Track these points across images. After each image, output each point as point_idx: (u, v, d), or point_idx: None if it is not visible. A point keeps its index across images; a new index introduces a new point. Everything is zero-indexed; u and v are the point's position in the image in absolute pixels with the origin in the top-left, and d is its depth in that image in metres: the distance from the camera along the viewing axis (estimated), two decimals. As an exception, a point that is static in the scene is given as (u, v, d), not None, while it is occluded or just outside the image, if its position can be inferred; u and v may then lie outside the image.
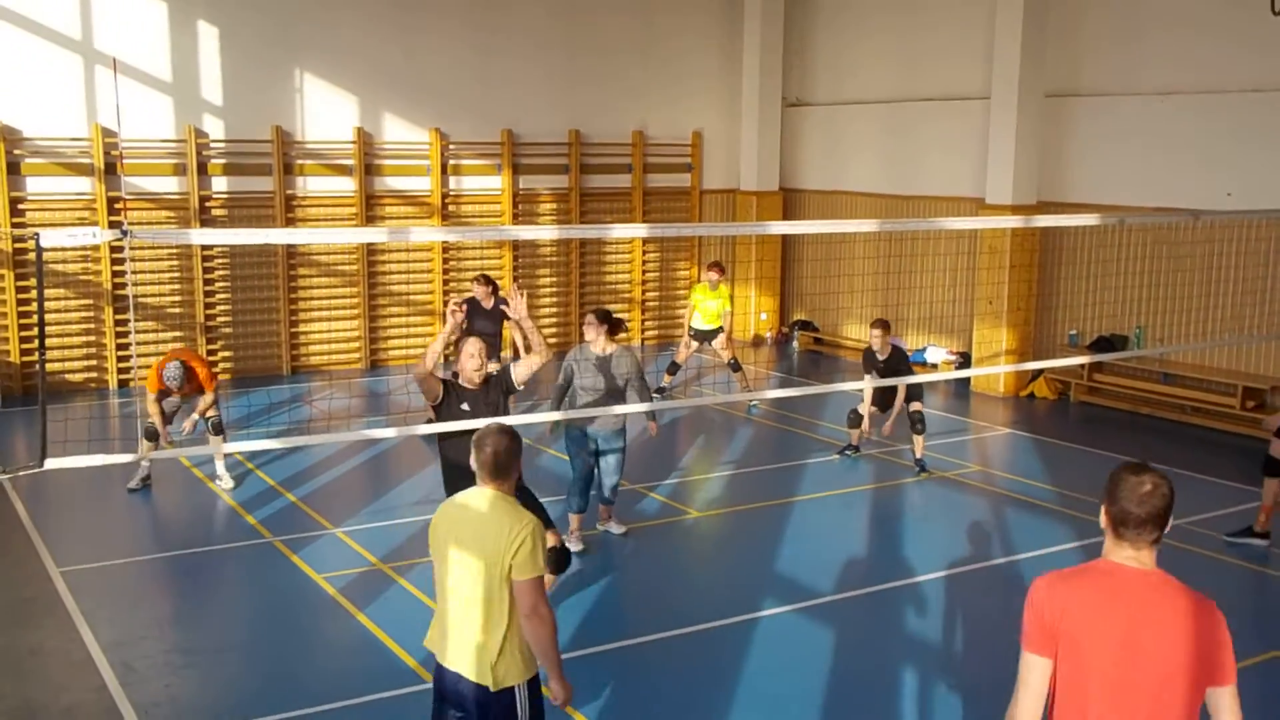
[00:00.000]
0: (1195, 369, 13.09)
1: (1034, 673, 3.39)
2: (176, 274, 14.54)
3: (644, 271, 17.82)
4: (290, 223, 14.90)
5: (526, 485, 6.78)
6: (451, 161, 16.07)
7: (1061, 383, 14.30)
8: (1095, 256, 13.88)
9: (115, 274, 14.00)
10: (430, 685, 6.46)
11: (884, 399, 11.13)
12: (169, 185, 14.36)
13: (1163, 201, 12.93)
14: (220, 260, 14.77)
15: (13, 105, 13.45)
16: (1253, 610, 7.83)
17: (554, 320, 17.09)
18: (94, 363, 14.21)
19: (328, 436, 10.62)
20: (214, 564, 8.69)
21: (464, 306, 7.17)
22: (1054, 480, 10.77)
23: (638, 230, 16.90)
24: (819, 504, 10.12)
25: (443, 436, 6.97)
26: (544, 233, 17.08)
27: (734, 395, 12.48)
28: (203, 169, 14.48)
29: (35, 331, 13.29)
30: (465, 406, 6.93)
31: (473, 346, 6.95)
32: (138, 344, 14.23)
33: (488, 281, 12.29)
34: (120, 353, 14.21)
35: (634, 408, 8.34)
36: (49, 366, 13.68)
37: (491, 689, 4.36)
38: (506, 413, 7.11)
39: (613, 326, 8.61)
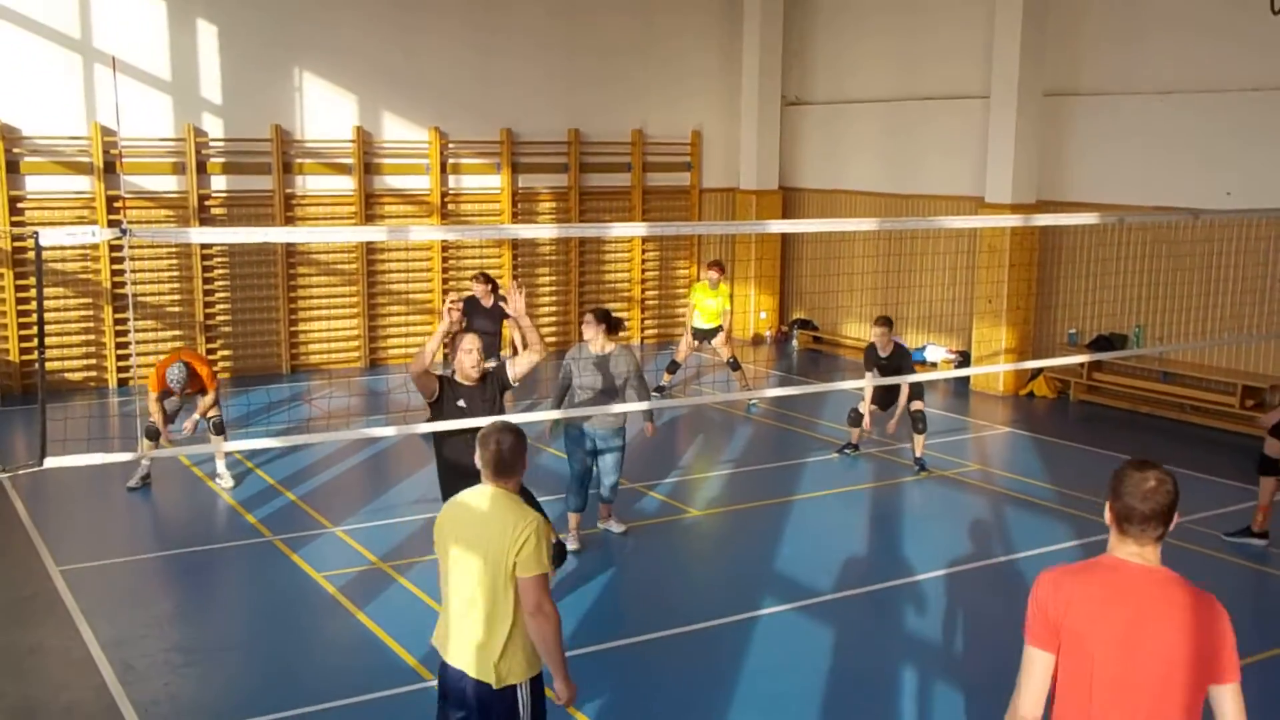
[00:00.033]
0: (1194, 368, 13.09)
1: (1036, 666, 3.40)
2: (176, 273, 14.54)
3: (643, 270, 17.81)
4: (289, 221, 14.90)
5: (525, 484, 6.77)
6: (451, 160, 16.07)
7: (1061, 381, 14.30)
8: (1095, 255, 13.88)
9: (115, 273, 14.00)
10: (430, 683, 6.51)
11: (884, 398, 11.12)
12: (168, 184, 14.36)
13: (1162, 200, 12.93)
14: (220, 259, 14.77)
15: (12, 104, 13.44)
16: (1252, 609, 7.83)
17: (553, 319, 17.09)
18: (93, 361, 14.21)
19: (327, 435, 10.62)
20: (214, 563, 8.69)
21: (460, 305, 7.17)
22: (1053, 479, 10.78)
23: (637, 229, 16.90)
24: (818, 503, 10.12)
25: (439, 435, 6.96)
26: (543, 231, 17.08)
27: (733, 394, 12.48)
28: (202, 168, 14.47)
29: (35, 330, 13.27)
30: (462, 403, 6.93)
31: (470, 343, 6.96)
32: (137, 343, 14.23)
33: (487, 280, 12.28)
34: (120, 351, 14.21)
35: (632, 406, 8.34)
36: (48, 365, 13.67)
37: (494, 687, 4.36)
38: (503, 409, 7.12)
39: (611, 326, 8.60)
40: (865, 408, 11.20)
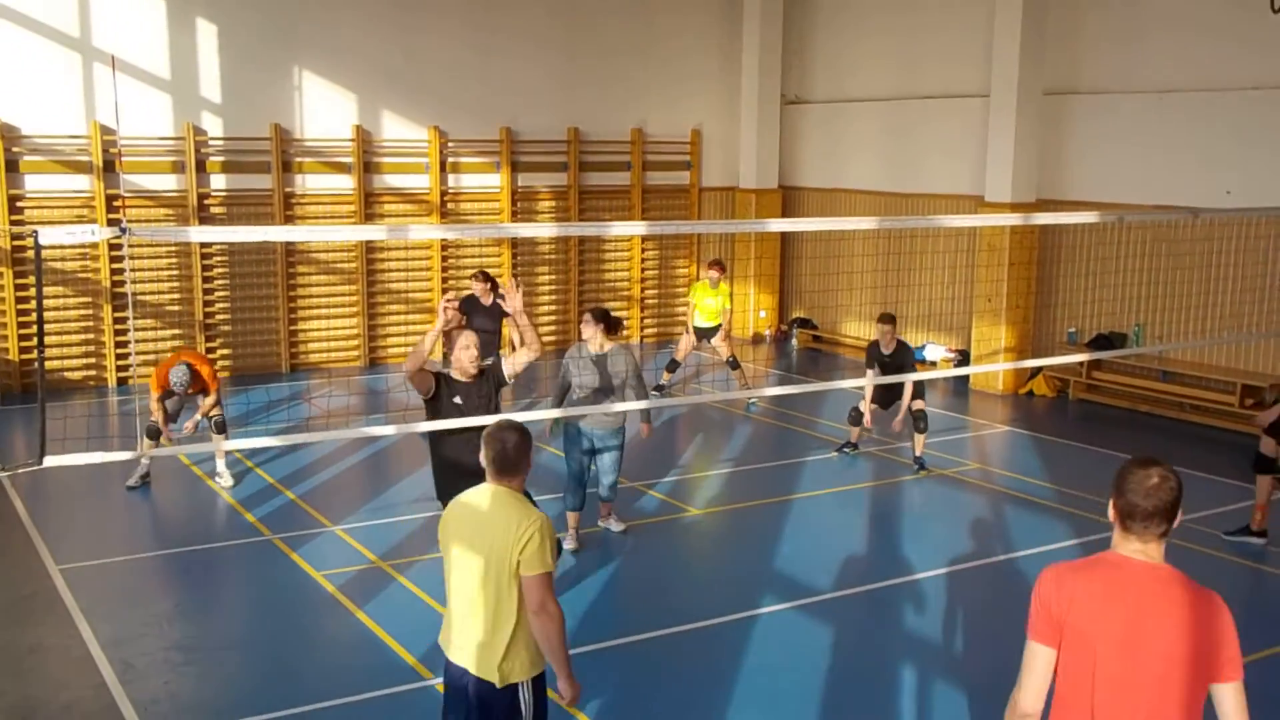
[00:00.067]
0: (1194, 366, 13.09)
1: (1038, 661, 3.42)
2: (175, 272, 14.54)
3: (643, 269, 17.81)
4: (289, 220, 14.90)
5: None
6: (450, 159, 16.07)
7: (1060, 380, 14.31)
8: (1094, 254, 13.89)
9: (114, 272, 14.00)
10: (429, 682, 6.52)
11: (885, 396, 11.12)
12: (168, 183, 14.36)
13: (1162, 199, 12.94)
14: (219, 258, 14.77)
15: (11, 103, 13.44)
16: (1251, 608, 7.84)
17: (553, 318, 17.09)
18: (93, 360, 14.20)
19: (327, 434, 10.62)
20: (213, 562, 8.69)
21: (455, 303, 7.17)
22: (1053, 478, 10.78)
23: (637, 228, 16.90)
24: (818, 501, 10.12)
25: (436, 432, 6.96)
26: (543, 230, 17.08)
27: (733, 393, 12.48)
28: (201, 166, 14.47)
29: (34, 329, 13.28)
30: (458, 400, 6.93)
31: (467, 339, 6.97)
32: (137, 342, 14.23)
33: (486, 278, 12.27)
34: (119, 350, 14.21)
35: (630, 405, 8.33)
36: (48, 364, 13.67)
37: (497, 685, 4.37)
38: (498, 406, 7.13)
39: (610, 325, 8.60)
40: (866, 406, 11.19)
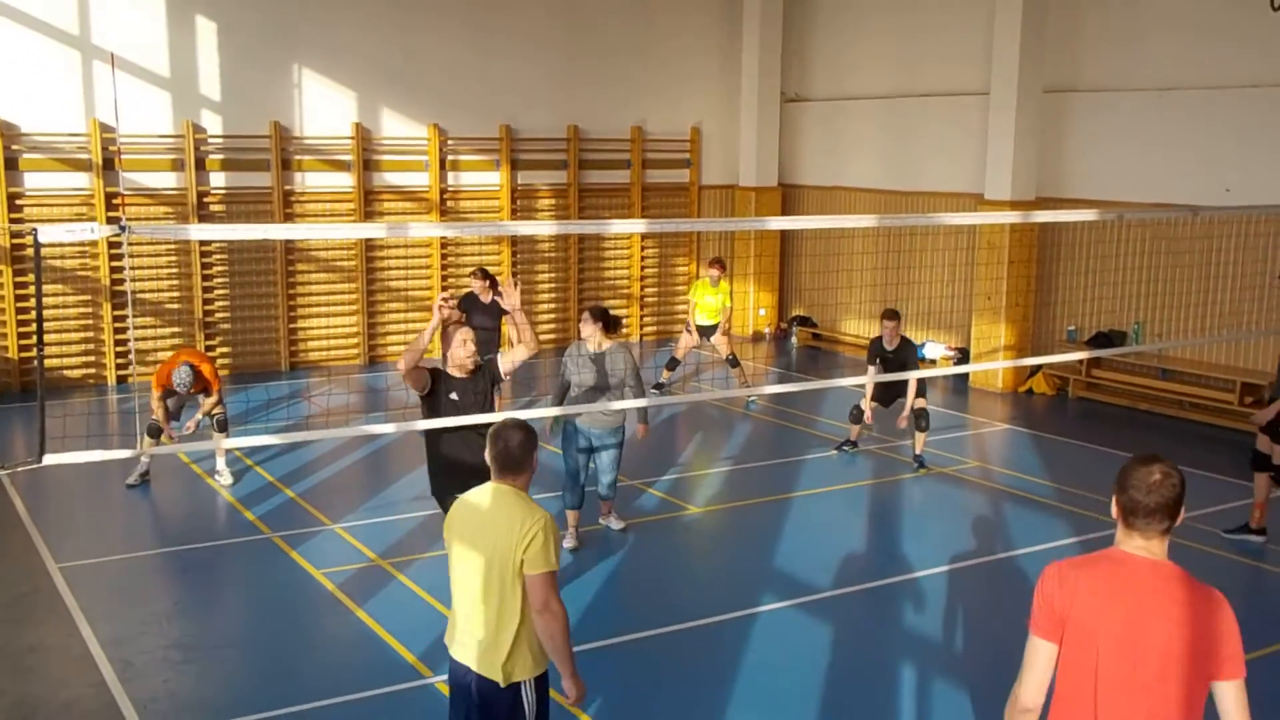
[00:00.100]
0: (1193, 364, 13.09)
1: (1039, 656, 3.44)
2: (175, 269, 14.54)
3: (642, 267, 17.81)
4: (289, 218, 14.88)
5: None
6: (450, 157, 16.06)
7: (1060, 378, 14.31)
8: (1094, 252, 13.89)
9: (114, 269, 13.99)
10: (428, 680, 6.52)
11: (885, 394, 11.11)
12: (167, 181, 14.35)
13: (1161, 197, 12.93)
14: (219, 256, 14.76)
15: (11, 100, 13.43)
16: (1250, 606, 7.85)
17: (552, 316, 17.09)
18: (92, 358, 14.20)
19: (326, 432, 10.61)
20: (213, 560, 8.69)
21: (450, 301, 7.17)
22: (1052, 476, 10.78)
23: (636, 226, 16.90)
24: (817, 500, 10.12)
25: (434, 429, 6.96)
26: (542, 228, 17.07)
27: (732, 391, 12.48)
28: (201, 164, 14.47)
29: (34, 327, 13.28)
30: (454, 396, 6.94)
31: (464, 334, 6.98)
32: (136, 340, 14.22)
33: (485, 276, 12.26)
34: (119, 348, 14.20)
35: (628, 404, 8.33)
36: (47, 362, 13.66)
37: (501, 684, 4.37)
38: (493, 403, 7.14)
39: (608, 324, 8.59)
40: (867, 404, 11.18)
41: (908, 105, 16.16)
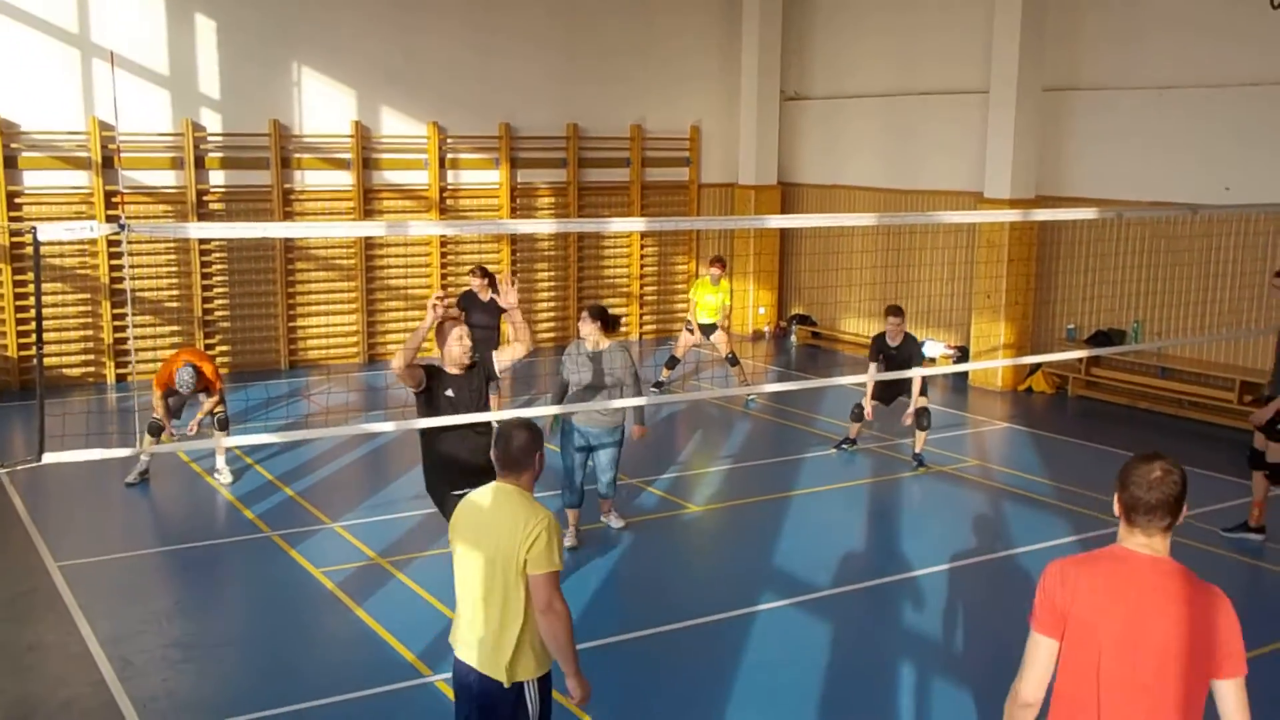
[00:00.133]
0: (1193, 363, 13.09)
1: (1040, 652, 3.46)
2: (174, 268, 14.53)
3: (642, 265, 17.81)
4: (288, 217, 14.88)
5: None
6: (449, 155, 16.05)
7: (1059, 377, 14.31)
8: (1093, 251, 13.89)
9: (113, 268, 13.99)
10: (428, 679, 6.52)
11: (886, 392, 11.10)
12: (166, 179, 14.35)
13: (1161, 196, 12.93)
14: (218, 254, 14.76)
15: (10, 99, 13.42)
16: (1249, 604, 7.84)
17: (551, 314, 17.09)
18: (92, 357, 14.20)
19: (326, 431, 10.62)
20: (212, 559, 8.69)
21: (444, 300, 7.17)
22: (1051, 475, 10.78)
23: (636, 224, 16.89)
24: (817, 498, 10.12)
25: (431, 428, 6.96)
26: (542, 226, 17.06)
27: (732, 389, 12.48)
28: (200, 163, 14.46)
29: (33, 326, 13.28)
30: (450, 392, 6.93)
31: (460, 330, 6.99)
32: (135, 338, 14.22)
33: (484, 274, 12.24)
34: (118, 347, 14.20)
35: (626, 402, 8.33)
36: (47, 361, 13.66)
37: (504, 684, 4.37)
38: (488, 400, 7.14)
39: (607, 323, 8.58)
40: (867, 402, 11.16)
41: (907, 104, 16.15)
